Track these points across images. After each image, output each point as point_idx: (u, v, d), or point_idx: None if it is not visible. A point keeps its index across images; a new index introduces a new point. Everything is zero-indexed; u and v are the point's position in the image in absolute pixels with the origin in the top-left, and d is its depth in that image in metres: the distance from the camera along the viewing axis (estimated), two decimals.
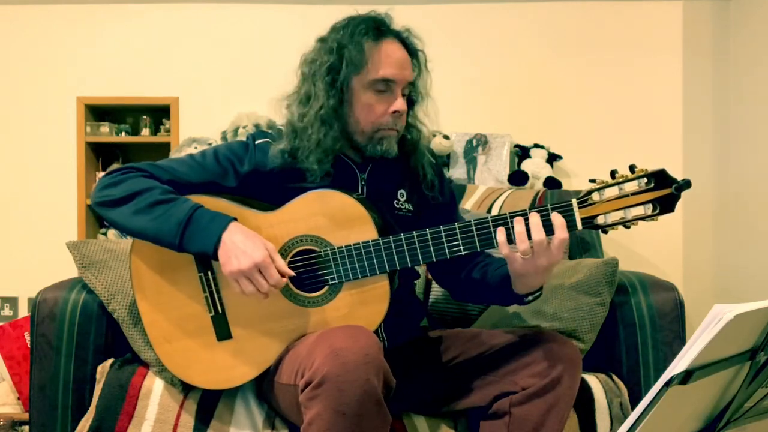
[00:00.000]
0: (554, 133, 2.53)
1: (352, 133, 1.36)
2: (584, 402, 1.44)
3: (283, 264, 1.24)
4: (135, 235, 1.31)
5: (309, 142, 1.33)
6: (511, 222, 1.20)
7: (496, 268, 1.36)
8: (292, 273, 1.25)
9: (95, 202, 1.31)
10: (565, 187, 2.44)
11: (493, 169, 2.45)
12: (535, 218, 1.18)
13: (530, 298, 1.31)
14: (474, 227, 1.23)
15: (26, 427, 1.98)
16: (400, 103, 1.34)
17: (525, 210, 1.22)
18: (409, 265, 1.26)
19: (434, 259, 1.25)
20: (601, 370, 1.56)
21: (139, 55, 2.60)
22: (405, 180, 1.45)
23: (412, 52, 1.39)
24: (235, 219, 1.26)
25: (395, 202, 1.43)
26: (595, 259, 1.66)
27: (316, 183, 1.33)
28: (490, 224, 1.23)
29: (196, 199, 1.31)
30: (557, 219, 1.18)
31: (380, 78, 1.32)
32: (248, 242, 1.21)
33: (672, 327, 1.55)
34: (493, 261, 1.40)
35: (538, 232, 1.17)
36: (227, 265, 1.22)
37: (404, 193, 1.45)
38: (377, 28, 1.34)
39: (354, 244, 1.26)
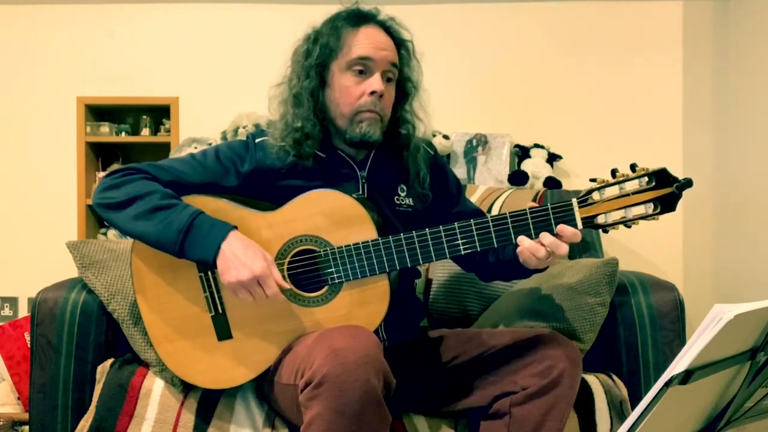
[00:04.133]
0: (554, 133, 2.53)
1: (334, 118, 1.37)
2: (584, 402, 1.44)
3: (279, 277, 1.24)
4: (136, 239, 1.31)
5: (285, 125, 1.36)
6: (509, 219, 1.23)
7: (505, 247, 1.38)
8: (288, 286, 1.25)
9: (96, 203, 1.31)
10: (565, 187, 2.44)
11: (493, 169, 2.45)
12: (548, 239, 1.21)
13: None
14: (474, 227, 1.23)
15: (26, 427, 1.98)
16: (377, 83, 1.33)
17: (525, 210, 1.22)
18: (409, 265, 1.26)
19: (434, 259, 1.26)
20: (601, 370, 1.56)
21: (139, 55, 2.60)
22: (404, 175, 1.45)
23: (398, 41, 1.39)
24: (235, 227, 1.26)
25: (396, 198, 1.43)
26: (595, 259, 1.66)
27: (304, 174, 1.34)
28: (490, 224, 1.23)
29: (198, 200, 1.31)
30: (566, 231, 1.20)
31: (355, 57, 1.33)
32: (248, 252, 1.21)
33: (672, 327, 1.55)
34: None
35: (557, 247, 1.20)
36: (226, 276, 1.22)
37: (404, 188, 1.45)
38: (359, 15, 1.36)
39: (354, 244, 1.26)
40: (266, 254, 1.24)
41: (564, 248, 1.21)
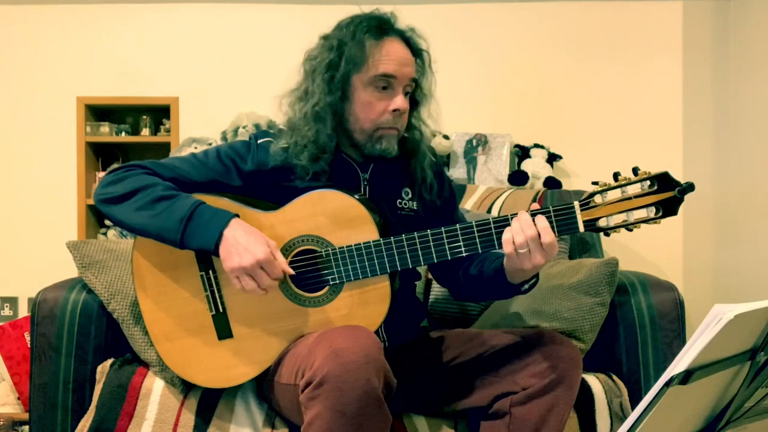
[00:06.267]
0: (554, 133, 2.53)
1: (352, 131, 1.36)
2: (584, 402, 1.44)
3: (283, 262, 1.24)
4: (137, 232, 1.31)
5: (302, 139, 1.34)
6: (510, 220, 1.21)
7: (491, 261, 1.35)
8: (291, 272, 1.25)
9: (98, 199, 1.31)
10: (565, 187, 2.44)
11: (493, 169, 2.45)
12: (524, 216, 1.19)
13: (526, 286, 1.30)
14: (475, 228, 1.23)
15: (26, 427, 1.99)
16: (400, 102, 1.33)
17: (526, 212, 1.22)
18: (410, 266, 1.26)
19: (435, 260, 1.25)
20: (601, 370, 1.57)
21: (139, 55, 2.60)
22: (408, 179, 1.45)
23: (416, 51, 1.38)
24: (237, 215, 1.26)
25: (398, 201, 1.43)
26: (595, 259, 1.66)
27: (315, 182, 1.33)
28: (491, 225, 1.23)
29: (198, 197, 1.31)
30: (541, 222, 1.18)
31: (380, 74, 1.31)
32: (250, 238, 1.21)
33: (672, 327, 1.55)
34: (489, 255, 1.39)
35: (529, 227, 1.17)
36: (228, 261, 1.22)
37: (409, 192, 1.45)
38: (380, 26, 1.34)
39: (355, 245, 1.26)
40: (269, 240, 1.23)
41: (540, 252, 1.18)
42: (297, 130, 1.35)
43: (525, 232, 1.17)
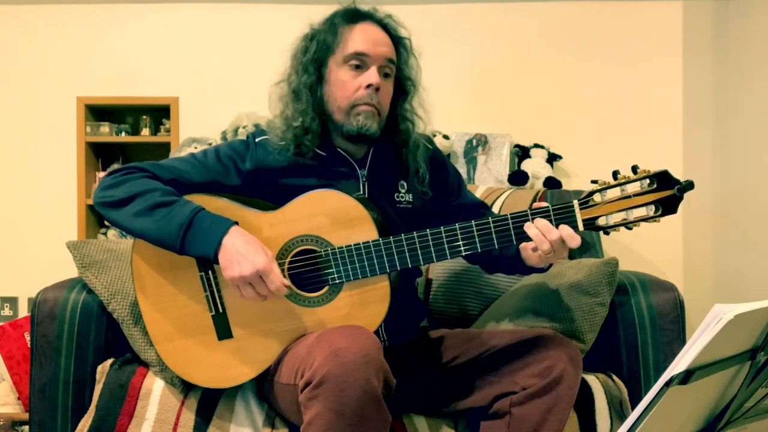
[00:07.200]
0: (554, 133, 2.53)
1: (331, 113, 1.38)
2: (584, 402, 1.44)
3: (279, 273, 1.24)
4: (137, 237, 1.31)
5: (284, 118, 1.37)
6: (511, 220, 1.23)
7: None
8: (288, 283, 1.25)
9: (97, 202, 1.31)
10: (565, 187, 2.44)
11: (493, 169, 2.45)
12: (541, 222, 1.20)
13: (547, 265, 1.34)
14: (475, 228, 1.23)
15: (26, 427, 1.99)
16: (373, 77, 1.33)
17: (526, 211, 1.22)
18: (410, 266, 1.26)
19: (435, 260, 1.26)
20: (601, 370, 1.57)
21: (139, 55, 2.60)
22: (403, 172, 1.46)
23: (395, 38, 1.40)
24: (236, 223, 1.26)
25: (396, 195, 1.44)
26: (595, 259, 1.66)
27: (300, 159, 1.36)
28: (491, 225, 1.23)
29: (197, 199, 1.31)
30: (565, 230, 1.20)
31: (352, 53, 1.34)
32: (249, 247, 1.21)
33: (672, 327, 1.55)
34: None
35: (548, 231, 1.20)
36: (228, 270, 1.22)
37: (405, 185, 1.45)
38: (355, 13, 1.38)
39: (354, 245, 1.26)
40: (267, 250, 1.24)
41: (565, 250, 1.22)
42: (280, 115, 1.39)
43: (548, 237, 1.20)
